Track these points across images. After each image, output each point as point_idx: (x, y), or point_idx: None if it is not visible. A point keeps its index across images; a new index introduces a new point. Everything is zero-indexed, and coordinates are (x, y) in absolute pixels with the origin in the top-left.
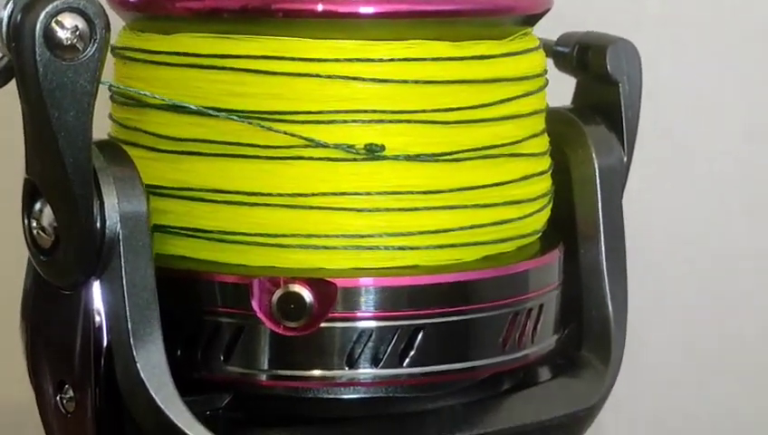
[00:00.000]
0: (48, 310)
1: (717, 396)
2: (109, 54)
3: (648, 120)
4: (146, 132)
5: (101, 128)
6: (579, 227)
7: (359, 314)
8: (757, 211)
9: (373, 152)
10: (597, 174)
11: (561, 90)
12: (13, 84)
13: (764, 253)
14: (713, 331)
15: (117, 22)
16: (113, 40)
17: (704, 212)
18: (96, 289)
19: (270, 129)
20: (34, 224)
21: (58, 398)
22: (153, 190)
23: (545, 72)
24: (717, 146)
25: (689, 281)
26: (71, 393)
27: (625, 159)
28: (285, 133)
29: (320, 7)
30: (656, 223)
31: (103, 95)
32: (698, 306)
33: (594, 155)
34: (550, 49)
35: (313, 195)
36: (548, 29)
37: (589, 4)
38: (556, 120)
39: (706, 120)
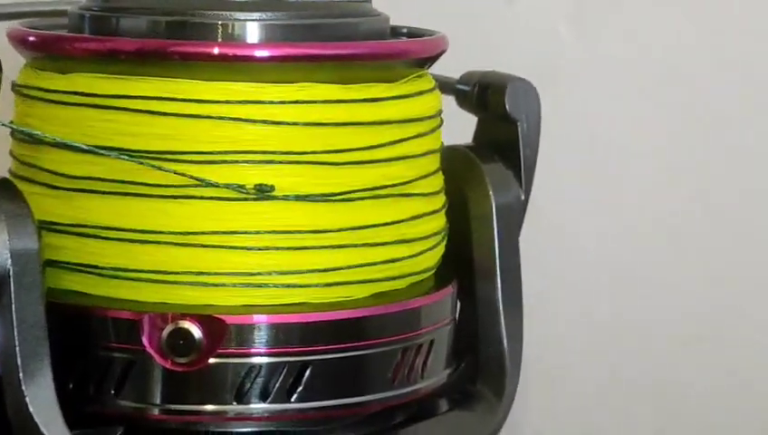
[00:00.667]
0: None
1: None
2: (10, 91)
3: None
4: (42, 169)
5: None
6: (475, 265)
7: (248, 350)
8: (677, 243)
9: (263, 192)
10: (494, 212)
11: (464, 125)
12: None
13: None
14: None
15: (20, 59)
16: (15, 77)
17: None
18: None
19: (160, 168)
20: None
21: None
22: (48, 226)
23: (439, 112)
24: (633, 173)
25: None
26: None
27: (522, 196)
28: (176, 173)
29: (215, 51)
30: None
31: (5, 131)
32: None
33: (491, 193)
34: (451, 87)
35: (204, 233)
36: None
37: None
38: (454, 158)
39: (622, 148)
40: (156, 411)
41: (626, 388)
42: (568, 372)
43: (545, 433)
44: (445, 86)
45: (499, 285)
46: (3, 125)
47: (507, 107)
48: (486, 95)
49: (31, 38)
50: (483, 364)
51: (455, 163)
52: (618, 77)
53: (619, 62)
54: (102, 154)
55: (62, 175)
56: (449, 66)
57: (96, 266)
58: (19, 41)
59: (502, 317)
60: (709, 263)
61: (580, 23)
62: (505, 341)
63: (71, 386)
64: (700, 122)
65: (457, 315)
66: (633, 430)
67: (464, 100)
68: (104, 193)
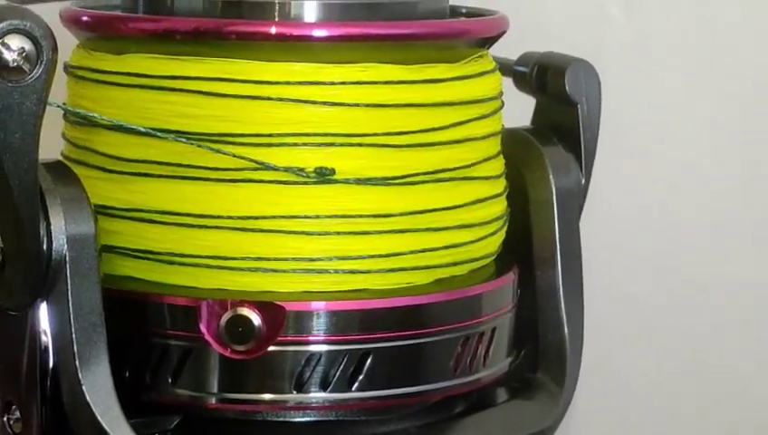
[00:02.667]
0: None
1: (684, 415)
2: (63, 71)
3: (612, 136)
4: (96, 152)
5: (56, 146)
6: (535, 250)
7: (308, 338)
8: (722, 228)
9: (323, 176)
10: (554, 196)
11: (523, 108)
12: None
13: (728, 268)
14: (679, 348)
15: (71, 39)
16: (67, 57)
17: (666, 226)
18: (43, 311)
19: (219, 151)
20: None
21: (5, 418)
22: (103, 211)
23: (500, 94)
24: (679, 157)
25: (653, 297)
26: (17, 414)
27: (583, 180)
28: (235, 156)
29: (273, 30)
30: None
31: (58, 113)
32: (666, 325)
33: (552, 177)
34: (509, 69)
35: (263, 218)
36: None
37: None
38: (514, 141)
39: (671, 135)
40: (213, 400)
41: (670, 371)
42: (611, 357)
43: (591, 418)
44: (502, 68)
45: (560, 271)
46: (58, 107)
47: (567, 89)
48: (546, 77)
49: (84, 18)
50: (543, 352)
51: (514, 146)
52: (667, 57)
53: (669, 43)
54: (161, 137)
55: (118, 158)
56: (497, 46)
57: (152, 252)
58: (73, 21)
59: (562, 304)
60: (756, 244)
61: (631, 3)
62: (566, 328)
63: (126, 374)
64: (748, 103)
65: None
66: (677, 413)
67: (522, 81)
68: (161, 177)
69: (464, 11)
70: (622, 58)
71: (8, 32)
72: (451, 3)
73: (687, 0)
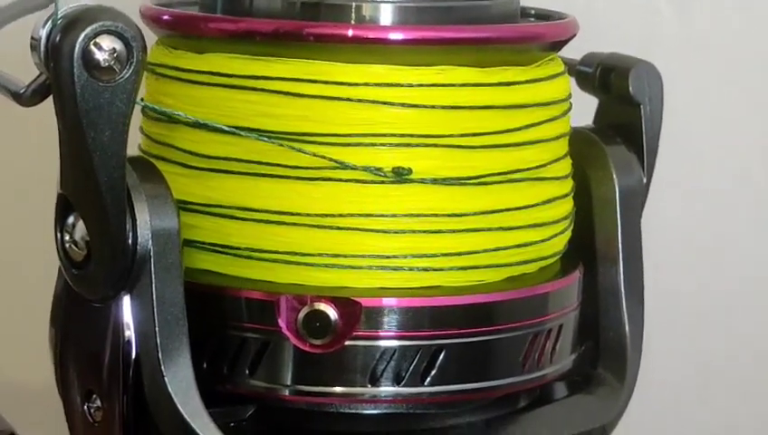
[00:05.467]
0: (78, 320)
1: (720, 409)
2: None
3: (664, 137)
4: (177, 148)
5: (131, 139)
6: (598, 247)
7: (382, 333)
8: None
9: (400, 175)
10: (617, 195)
11: (584, 108)
12: None
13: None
14: (720, 345)
15: (150, 35)
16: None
17: (715, 227)
18: (126, 303)
19: (299, 150)
20: (67, 237)
21: (86, 407)
22: (182, 206)
23: (569, 96)
24: (731, 162)
25: (699, 294)
26: (98, 403)
27: (644, 180)
28: (314, 155)
29: (350, 33)
30: (668, 234)
31: (135, 109)
32: (707, 321)
33: (615, 175)
34: (573, 69)
35: (340, 215)
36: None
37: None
38: (578, 141)
39: (721, 138)
40: (287, 392)
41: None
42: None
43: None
44: (566, 68)
45: (621, 269)
46: (144, 106)
47: (631, 90)
48: (609, 77)
49: (165, 17)
50: (603, 348)
51: (578, 145)
52: (718, 58)
53: (721, 44)
54: (243, 135)
55: (198, 155)
56: None
57: (231, 247)
58: (153, 19)
59: (624, 301)
60: None
61: (682, 2)
62: (627, 325)
63: (204, 365)
64: None
65: None
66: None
67: (585, 81)
68: (241, 174)
69: (533, 12)
70: (672, 57)
71: (100, 32)
72: None
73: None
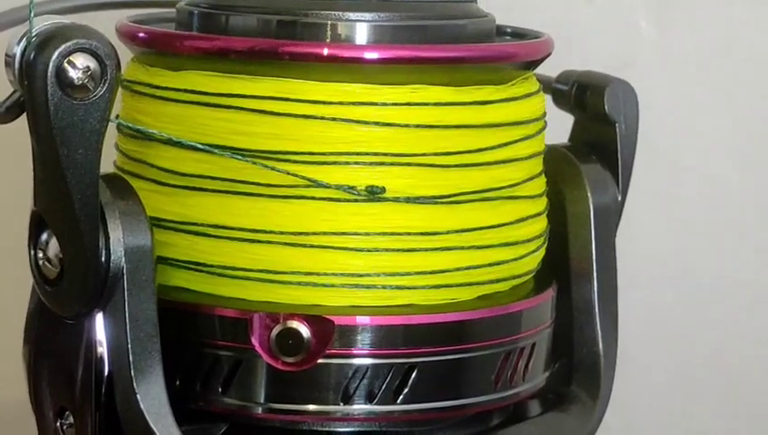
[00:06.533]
0: (51, 337)
1: (701, 422)
2: None
3: (643, 148)
4: (151, 165)
5: (107, 156)
6: (572, 265)
7: (355, 351)
8: (745, 234)
9: (374, 194)
10: (592, 212)
11: (560, 126)
12: None
13: (751, 276)
14: (698, 353)
15: (125, 52)
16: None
17: (693, 237)
18: (99, 320)
19: (273, 168)
20: (40, 255)
21: (58, 424)
22: (156, 223)
23: (544, 114)
24: (706, 170)
25: (676, 305)
26: (71, 420)
27: (619, 197)
28: (288, 173)
29: (325, 51)
30: (642, 243)
31: (111, 125)
32: (686, 331)
33: (589, 193)
34: (548, 86)
35: (314, 234)
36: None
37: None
38: (553, 158)
39: (700, 151)
40: (260, 410)
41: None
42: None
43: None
44: (541, 85)
45: (595, 286)
46: (118, 123)
47: (606, 108)
48: (585, 95)
49: (141, 34)
50: (577, 365)
51: (553, 163)
52: (698, 72)
53: (700, 58)
54: (217, 154)
55: (173, 172)
56: None
57: (204, 264)
58: (129, 36)
59: (597, 318)
60: None
61: (660, 18)
62: (600, 342)
63: (177, 382)
64: None
65: None
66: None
67: (561, 99)
68: (214, 191)
69: (509, 30)
70: (651, 71)
71: (74, 50)
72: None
73: (717, 14)
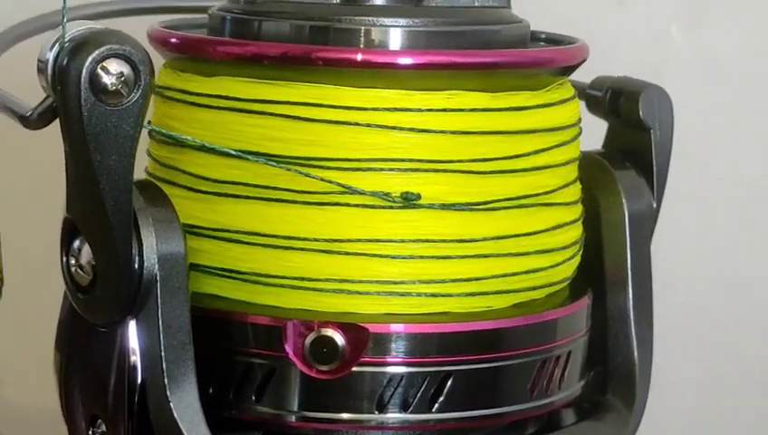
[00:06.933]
0: (83, 345)
1: (733, 432)
2: None
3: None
4: (183, 172)
5: (138, 162)
6: (607, 272)
7: (389, 359)
8: None
9: (409, 201)
10: (626, 219)
11: (594, 132)
12: None
13: None
14: (727, 355)
15: (157, 57)
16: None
17: (725, 244)
18: (132, 328)
19: (307, 175)
20: (73, 261)
21: (90, 432)
22: (189, 229)
23: (579, 120)
24: (737, 174)
25: (705, 306)
26: (103, 428)
27: (654, 204)
28: (322, 180)
29: (359, 57)
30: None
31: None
32: (715, 333)
33: (624, 200)
34: (582, 92)
35: (348, 241)
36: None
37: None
38: (587, 165)
39: (732, 156)
40: (293, 418)
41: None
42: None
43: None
44: (576, 91)
45: (630, 294)
46: (151, 131)
47: (641, 114)
48: (619, 101)
49: (173, 40)
50: (612, 374)
51: (587, 169)
52: (727, 77)
53: (729, 62)
54: (251, 160)
55: (205, 178)
56: None
57: (237, 271)
58: (160, 42)
59: (632, 326)
60: None
61: (691, 23)
62: (636, 350)
63: (210, 390)
64: None
65: None
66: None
67: (595, 105)
68: (248, 198)
69: (543, 36)
70: (681, 77)
71: (108, 56)
72: None
73: (747, 19)
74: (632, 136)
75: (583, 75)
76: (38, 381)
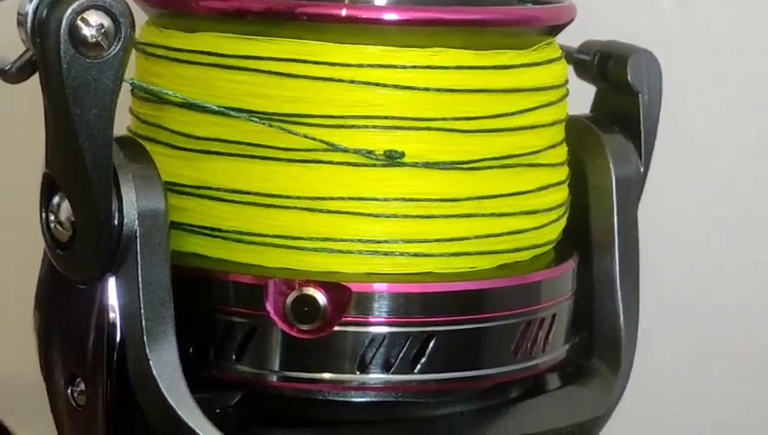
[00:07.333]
0: (62, 303)
1: (719, 399)
2: None
3: (665, 124)
4: (166, 129)
5: (122, 122)
6: (593, 237)
7: (371, 320)
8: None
9: (392, 159)
10: (614, 184)
11: (581, 97)
12: None
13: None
14: (720, 337)
15: (139, 15)
16: (136, 34)
17: (715, 217)
18: (111, 285)
19: (290, 131)
20: (52, 218)
21: (69, 391)
22: (171, 187)
23: (566, 82)
24: (732, 152)
25: (698, 284)
26: (82, 387)
27: (642, 169)
28: (305, 136)
29: (343, 12)
30: (665, 225)
31: (124, 89)
32: (706, 312)
33: (611, 165)
34: (570, 56)
35: (331, 199)
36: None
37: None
38: (574, 129)
39: (723, 126)
40: (275, 378)
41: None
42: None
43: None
44: (564, 55)
45: (617, 259)
46: (132, 84)
47: (629, 78)
48: (607, 65)
49: None
50: (597, 339)
51: (574, 133)
52: (718, 49)
53: (721, 34)
54: (233, 116)
55: (187, 136)
56: None
57: (219, 230)
58: None
59: (618, 291)
60: None
61: None
62: (622, 315)
63: (190, 349)
64: None
65: None
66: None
67: (583, 69)
68: (230, 155)
69: None
70: (673, 47)
71: (88, 7)
72: None
73: None
74: (620, 100)
75: (573, 44)
76: (25, 350)
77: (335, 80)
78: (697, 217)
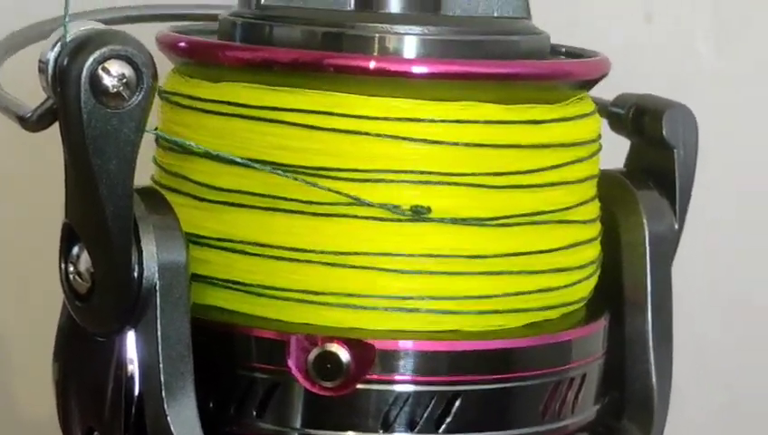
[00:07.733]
0: (81, 354)
1: None
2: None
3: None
4: (189, 180)
5: (146, 171)
6: (626, 294)
7: (396, 377)
8: None
9: (419, 214)
10: (647, 241)
11: (616, 150)
12: None
13: None
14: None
15: (165, 63)
16: (160, 81)
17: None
18: (130, 338)
19: (315, 185)
20: (71, 268)
21: None
22: (193, 239)
23: (599, 137)
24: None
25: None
26: None
27: (676, 226)
28: (330, 190)
29: (372, 65)
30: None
31: (148, 138)
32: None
33: (645, 221)
34: (605, 109)
35: (356, 254)
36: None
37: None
38: (608, 183)
39: (760, 177)
40: None
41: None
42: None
43: None
44: (597, 108)
45: (650, 318)
46: (155, 134)
47: (665, 133)
48: (642, 120)
49: (181, 44)
50: (629, 399)
51: (608, 188)
52: (756, 94)
53: (758, 79)
54: (258, 168)
55: (211, 187)
56: None
57: (241, 283)
58: (169, 46)
59: (651, 352)
60: None
61: (718, 40)
62: (654, 377)
63: (210, 405)
64: None
65: None
66: None
67: (618, 123)
68: (254, 208)
69: (563, 50)
70: (709, 94)
71: (109, 57)
72: None
73: None
74: (655, 155)
75: (611, 92)
76: (39, 391)
77: (362, 133)
78: (733, 265)
